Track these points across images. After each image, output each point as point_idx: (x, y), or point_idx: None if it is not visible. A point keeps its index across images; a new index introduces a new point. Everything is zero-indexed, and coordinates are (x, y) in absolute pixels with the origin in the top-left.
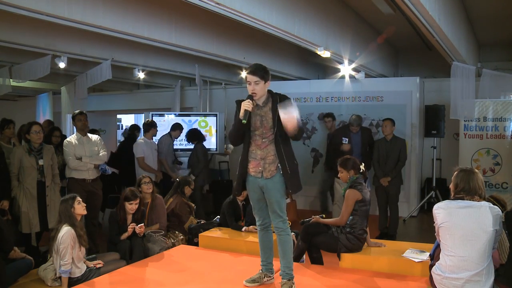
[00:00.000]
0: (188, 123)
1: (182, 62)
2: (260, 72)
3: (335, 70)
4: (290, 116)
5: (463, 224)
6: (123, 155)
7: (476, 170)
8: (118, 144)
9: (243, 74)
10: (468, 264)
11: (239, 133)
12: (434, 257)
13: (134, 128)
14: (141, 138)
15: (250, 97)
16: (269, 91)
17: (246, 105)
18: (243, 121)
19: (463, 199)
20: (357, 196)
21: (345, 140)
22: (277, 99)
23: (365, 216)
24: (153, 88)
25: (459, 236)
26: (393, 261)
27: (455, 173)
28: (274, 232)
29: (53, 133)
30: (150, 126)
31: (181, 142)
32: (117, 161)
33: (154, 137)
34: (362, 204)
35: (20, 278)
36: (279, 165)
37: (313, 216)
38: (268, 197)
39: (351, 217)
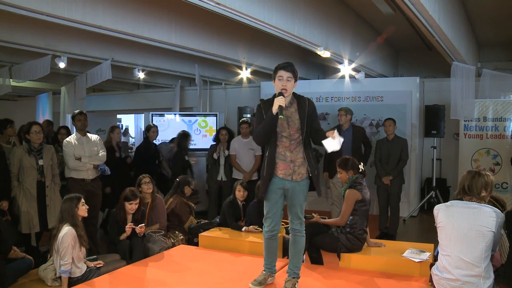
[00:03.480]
0: (188, 123)
1: (182, 62)
2: (293, 69)
3: (335, 70)
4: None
5: (459, 225)
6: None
7: (485, 173)
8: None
9: (243, 74)
10: (464, 264)
11: (271, 132)
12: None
13: (147, 129)
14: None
15: (280, 94)
16: (293, 93)
17: (280, 100)
18: (280, 116)
19: (462, 200)
20: (357, 196)
21: None
22: (305, 101)
23: (365, 216)
24: (153, 88)
25: (454, 236)
26: (393, 261)
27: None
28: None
29: (59, 131)
30: (241, 123)
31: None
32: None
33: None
34: (362, 204)
35: (20, 278)
36: (308, 168)
37: (313, 214)
38: (292, 199)
39: (351, 217)
